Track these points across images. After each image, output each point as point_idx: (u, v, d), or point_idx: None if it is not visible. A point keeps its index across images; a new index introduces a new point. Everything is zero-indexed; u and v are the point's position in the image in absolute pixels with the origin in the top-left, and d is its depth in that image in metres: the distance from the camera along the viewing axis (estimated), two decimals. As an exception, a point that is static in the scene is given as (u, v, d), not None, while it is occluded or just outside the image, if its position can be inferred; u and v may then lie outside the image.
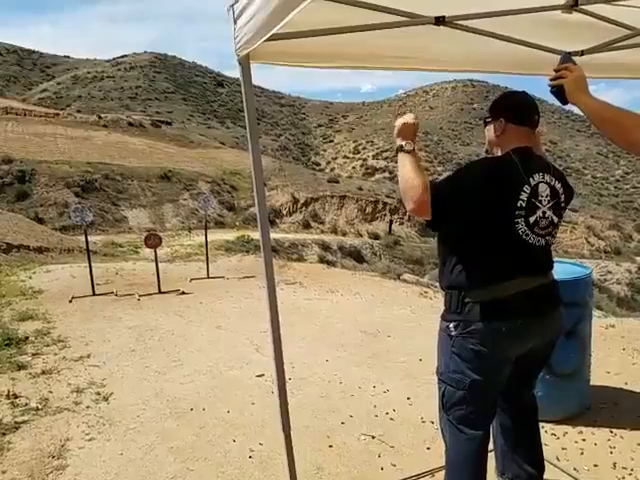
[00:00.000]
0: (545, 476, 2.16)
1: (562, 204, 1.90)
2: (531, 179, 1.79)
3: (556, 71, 1.64)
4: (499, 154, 1.90)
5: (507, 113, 1.87)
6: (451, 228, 1.83)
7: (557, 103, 1.71)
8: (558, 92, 1.62)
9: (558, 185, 1.88)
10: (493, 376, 1.85)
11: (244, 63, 1.64)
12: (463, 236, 1.82)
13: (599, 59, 2.37)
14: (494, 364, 1.83)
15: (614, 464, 2.62)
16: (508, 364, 1.88)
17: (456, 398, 1.88)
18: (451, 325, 1.86)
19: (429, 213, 1.71)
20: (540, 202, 1.81)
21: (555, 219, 1.87)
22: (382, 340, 4.87)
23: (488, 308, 1.78)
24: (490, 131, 1.94)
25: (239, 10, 1.48)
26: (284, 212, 32.14)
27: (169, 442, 2.99)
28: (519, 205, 1.76)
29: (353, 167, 72.15)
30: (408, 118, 1.86)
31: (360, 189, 35.94)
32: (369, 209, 33.38)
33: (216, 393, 3.67)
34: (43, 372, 4.10)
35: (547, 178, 1.84)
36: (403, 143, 1.83)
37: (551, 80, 1.64)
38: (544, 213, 1.82)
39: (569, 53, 1.77)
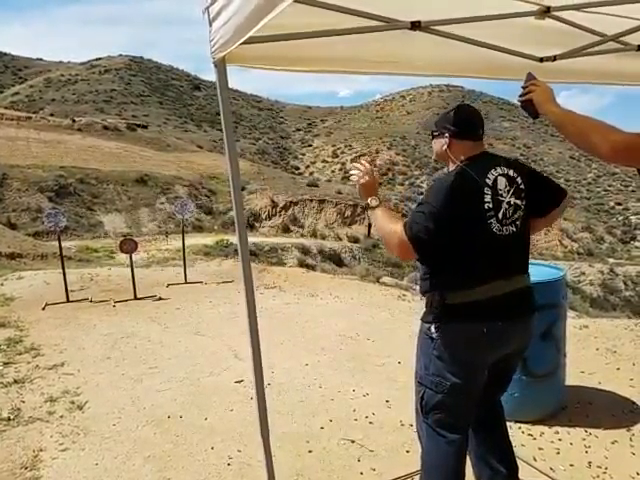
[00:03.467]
0: (522, 477, 2.19)
1: (521, 186, 1.93)
2: (487, 179, 1.84)
3: (524, 88, 1.73)
4: (450, 166, 1.94)
5: (451, 129, 1.91)
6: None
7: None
8: (528, 106, 1.70)
9: (512, 172, 1.92)
10: (472, 380, 1.87)
11: (220, 66, 1.62)
12: (443, 245, 1.82)
13: (572, 64, 2.42)
14: (473, 368, 1.85)
15: (589, 463, 2.66)
16: (485, 368, 1.90)
17: (435, 401, 1.89)
18: (432, 327, 1.87)
19: (414, 253, 1.75)
20: (502, 195, 1.86)
21: (519, 202, 1.91)
22: (362, 343, 4.87)
23: (467, 310, 1.80)
24: (436, 145, 1.98)
25: (215, 12, 1.46)
26: (263, 216, 32.00)
27: (146, 451, 2.94)
28: (486, 207, 1.82)
29: (332, 171, 72.37)
30: (363, 178, 1.95)
31: (339, 193, 36.02)
32: (348, 213, 33.47)
33: (194, 400, 3.62)
34: (15, 381, 3.99)
35: (500, 170, 1.89)
36: (369, 201, 1.93)
37: (520, 96, 1.73)
38: (509, 203, 1.87)
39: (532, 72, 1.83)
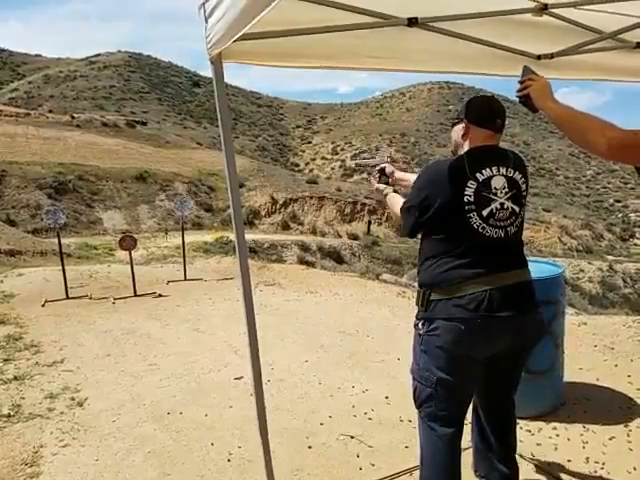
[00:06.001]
0: (520, 472, 2.19)
1: (523, 193, 1.94)
2: (478, 174, 1.83)
3: (521, 82, 1.71)
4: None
5: (470, 115, 1.92)
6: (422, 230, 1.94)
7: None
8: (526, 101, 1.68)
9: (518, 176, 1.92)
10: (459, 375, 1.87)
11: (216, 62, 1.62)
12: (426, 235, 1.92)
13: (569, 61, 2.42)
14: (458, 363, 1.85)
15: (587, 459, 2.67)
16: (474, 364, 1.89)
17: (425, 395, 1.92)
18: (419, 323, 1.91)
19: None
20: (495, 194, 1.85)
21: (516, 209, 1.90)
22: (361, 340, 4.88)
23: (448, 306, 1.81)
24: (455, 132, 1.99)
25: (210, 9, 1.47)
26: (263, 213, 32.02)
27: (146, 447, 2.95)
28: (466, 200, 1.81)
29: (332, 168, 72.33)
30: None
31: (339, 190, 36.04)
32: (348, 210, 33.49)
33: (193, 396, 3.63)
34: (15, 378, 4.00)
35: (503, 171, 1.88)
36: (382, 190, 2.25)
37: (518, 92, 1.71)
38: (502, 204, 1.86)
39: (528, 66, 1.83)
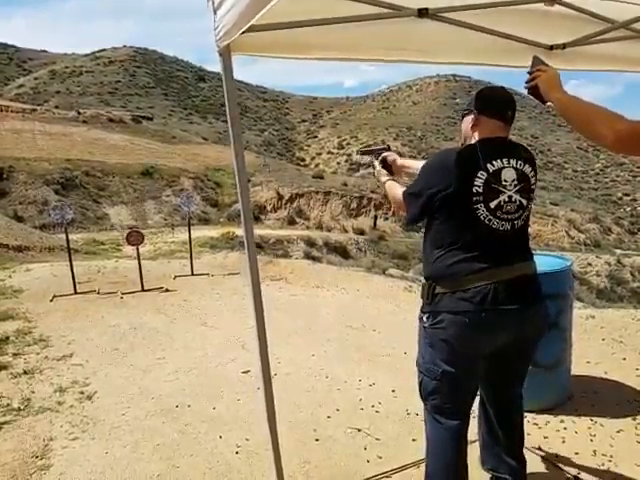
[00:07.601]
0: (527, 465, 2.19)
1: (532, 186, 1.93)
2: (489, 165, 1.81)
3: (530, 73, 1.68)
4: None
5: (480, 106, 1.90)
6: (427, 220, 1.93)
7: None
8: (534, 92, 1.66)
9: (528, 169, 1.91)
10: (464, 368, 1.87)
11: (225, 54, 1.61)
12: (432, 226, 1.91)
13: (581, 51, 2.39)
14: (463, 356, 1.85)
15: (594, 451, 2.67)
16: (478, 357, 1.90)
17: (430, 388, 1.92)
18: (424, 316, 1.91)
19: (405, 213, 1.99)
20: (504, 187, 1.83)
21: (524, 202, 1.89)
22: (368, 334, 4.89)
23: (453, 299, 1.81)
24: (465, 123, 1.98)
25: (219, 0, 1.46)
26: (269, 208, 32.03)
27: (154, 440, 2.97)
28: (475, 191, 1.79)
29: (338, 163, 72.14)
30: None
31: (345, 185, 35.95)
32: (354, 205, 33.42)
33: (201, 390, 3.65)
34: (25, 372, 4.03)
35: (513, 163, 1.86)
36: (381, 178, 2.27)
37: (526, 82, 1.69)
38: (510, 197, 1.84)
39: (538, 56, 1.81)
